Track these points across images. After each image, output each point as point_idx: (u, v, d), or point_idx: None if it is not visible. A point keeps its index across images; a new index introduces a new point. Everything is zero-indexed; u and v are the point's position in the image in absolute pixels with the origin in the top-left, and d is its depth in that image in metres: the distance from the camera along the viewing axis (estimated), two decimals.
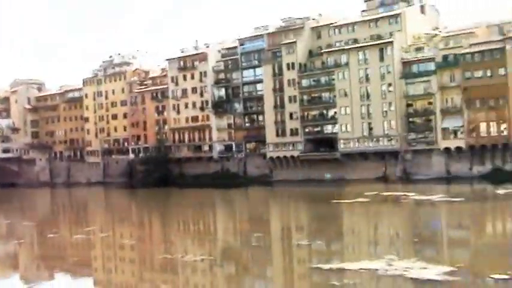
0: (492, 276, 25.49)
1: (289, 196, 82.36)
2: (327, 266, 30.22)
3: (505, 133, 78.59)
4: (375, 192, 66.89)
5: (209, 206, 75.33)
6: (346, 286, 26.29)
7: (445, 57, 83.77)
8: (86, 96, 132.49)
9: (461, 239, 41.54)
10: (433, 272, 26.86)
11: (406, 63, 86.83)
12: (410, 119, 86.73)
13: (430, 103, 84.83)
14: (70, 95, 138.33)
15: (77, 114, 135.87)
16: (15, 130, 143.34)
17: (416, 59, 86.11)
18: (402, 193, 65.83)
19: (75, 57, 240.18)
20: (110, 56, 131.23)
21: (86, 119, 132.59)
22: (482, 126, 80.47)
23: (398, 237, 43.21)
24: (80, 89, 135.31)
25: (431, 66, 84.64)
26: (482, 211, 53.81)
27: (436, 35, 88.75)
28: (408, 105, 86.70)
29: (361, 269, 28.79)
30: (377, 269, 28.36)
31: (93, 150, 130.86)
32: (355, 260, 31.56)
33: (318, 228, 48.00)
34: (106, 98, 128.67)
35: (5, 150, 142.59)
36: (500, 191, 63.89)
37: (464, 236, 42.85)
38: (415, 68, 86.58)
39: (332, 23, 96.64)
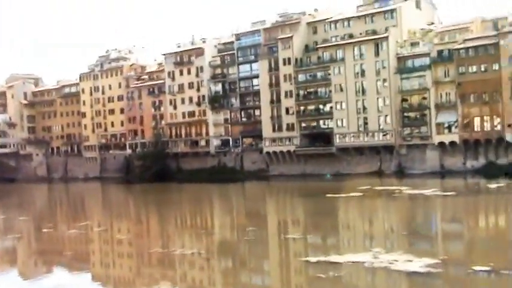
0: (473, 267, 26.06)
1: (285, 191, 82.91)
2: (314, 259, 30.76)
3: (499, 128, 79.07)
4: (368, 187, 67.49)
5: (206, 201, 75.78)
6: (331, 278, 26.80)
7: (439, 52, 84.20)
8: (83, 91, 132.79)
9: (449, 232, 42.08)
10: (417, 264, 27.42)
11: (401, 59, 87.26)
12: (405, 114, 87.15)
13: (424, 98, 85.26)
14: (67, 90, 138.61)
15: (73, 109, 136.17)
16: (11, 125, 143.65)
17: (411, 54, 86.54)
18: (395, 187, 66.35)
19: (72, 53, 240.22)
20: (107, 51, 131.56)
21: (83, 114, 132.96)
22: (476, 120, 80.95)
23: (387, 230, 43.71)
24: (76, 84, 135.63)
25: (426, 61, 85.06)
26: (472, 205, 54.30)
27: (431, 30, 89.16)
28: (403, 100, 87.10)
29: (347, 261, 29.35)
30: (363, 262, 28.90)
31: (90, 145, 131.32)
32: (343, 253, 32.10)
33: (311, 223, 48.61)
34: (103, 93, 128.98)
35: (2, 146, 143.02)
36: (493, 185, 64.51)
37: (452, 229, 43.36)
38: (410, 63, 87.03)
39: (328, 18, 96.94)
